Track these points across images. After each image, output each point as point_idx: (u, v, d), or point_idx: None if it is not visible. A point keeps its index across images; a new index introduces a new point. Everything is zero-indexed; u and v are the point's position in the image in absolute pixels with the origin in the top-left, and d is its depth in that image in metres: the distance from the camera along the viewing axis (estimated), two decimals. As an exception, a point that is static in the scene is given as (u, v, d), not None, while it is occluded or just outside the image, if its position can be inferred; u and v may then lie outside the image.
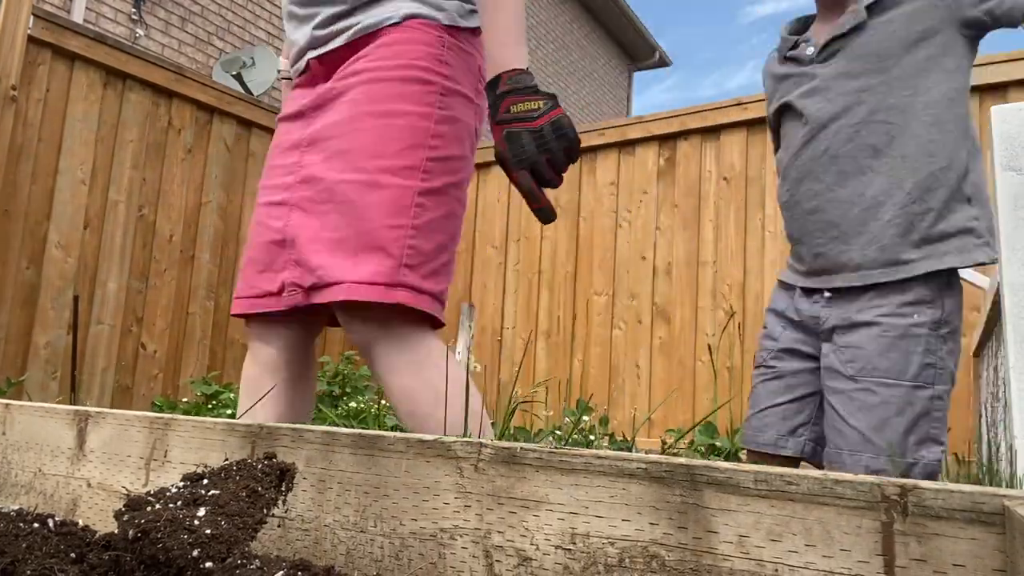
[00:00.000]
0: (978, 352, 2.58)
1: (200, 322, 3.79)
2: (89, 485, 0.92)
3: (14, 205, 3.15)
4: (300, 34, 1.41)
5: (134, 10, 6.75)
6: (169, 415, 0.89)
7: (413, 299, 1.25)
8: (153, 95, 3.67)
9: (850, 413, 1.34)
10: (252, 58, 7.30)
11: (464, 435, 0.91)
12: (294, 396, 1.44)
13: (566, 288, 4.18)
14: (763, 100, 3.72)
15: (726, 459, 1.69)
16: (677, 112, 4.00)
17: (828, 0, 1.46)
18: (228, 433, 0.82)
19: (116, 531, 0.67)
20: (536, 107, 1.24)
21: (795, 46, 1.51)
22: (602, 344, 3.98)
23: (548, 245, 4.29)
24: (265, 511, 0.73)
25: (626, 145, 4.14)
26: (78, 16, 6.24)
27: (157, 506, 0.68)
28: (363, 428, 1.81)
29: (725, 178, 3.80)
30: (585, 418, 2.67)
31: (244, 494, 0.72)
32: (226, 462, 0.79)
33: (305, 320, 1.40)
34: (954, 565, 0.48)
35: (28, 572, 0.63)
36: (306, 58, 1.41)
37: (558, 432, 2.60)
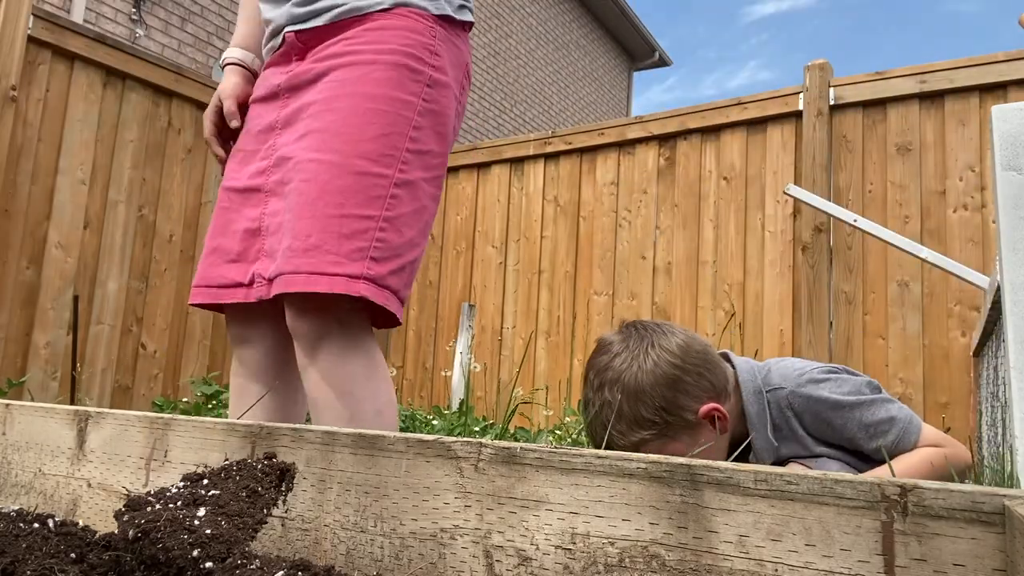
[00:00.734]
0: (978, 352, 2.58)
1: (200, 322, 3.79)
2: (89, 485, 0.92)
3: (14, 205, 3.15)
4: (277, 13, 1.36)
5: (134, 10, 6.75)
6: (169, 415, 0.89)
7: (375, 294, 1.18)
8: (153, 95, 3.67)
9: None
10: (252, 58, 7.30)
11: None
12: (284, 402, 1.37)
13: (566, 288, 4.18)
14: (763, 99, 3.73)
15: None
16: (677, 112, 4.00)
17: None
18: (228, 433, 0.82)
19: (116, 531, 0.67)
20: None
21: None
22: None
23: (548, 245, 4.29)
24: (265, 511, 0.73)
25: (626, 145, 4.14)
26: (78, 16, 6.24)
27: (157, 506, 0.68)
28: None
29: (725, 178, 3.80)
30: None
31: (244, 494, 0.72)
32: (226, 462, 0.79)
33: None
34: (954, 565, 0.48)
35: (28, 572, 0.63)
36: (283, 33, 1.35)
37: (558, 432, 2.61)
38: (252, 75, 1.49)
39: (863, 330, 3.31)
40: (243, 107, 1.44)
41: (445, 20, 1.34)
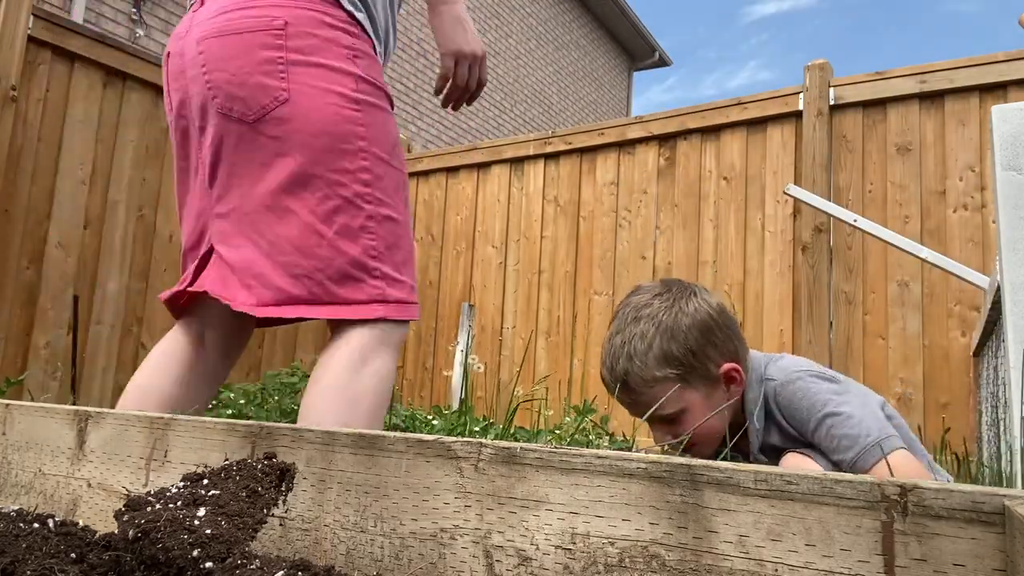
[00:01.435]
0: (978, 352, 2.58)
1: (200, 322, 3.79)
2: (89, 485, 0.92)
3: (14, 205, 3.15)
4: None
5: (134, 10, 6.75)
6: (169, 415, 0.89)
7: (395, 311, 1.28)
8: (153, 95, 3.67)
9: None
10: (252, 58, 7.30)
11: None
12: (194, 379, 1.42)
13: (566, 288, 4.18)
14: (763, 99, 3.73)
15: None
16: (677, 112, 4.00)
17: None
18: (228, 433, 0.82)
19: (116, 531, 0.67)
20: None
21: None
22: (602, 344, 3.97)
23: (548, 245, 4.29)
24: (265, 511, 0.73)
25: (626, 145, 4.14)
26: (78, 16, 6.24)
27: (157, 506, 0.68)
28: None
29: (725, 178, 3.80)
30: (586, 418, 2.67)
31: (244, 494, 0.72)
32: (226, 462, 0.79)
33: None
34: (954, 565, 0.48)
35: (28, 572, 0.63)
36: None
37: (558, 432, 2.61)
38: None
39: (863, 330, 3.31)
40: None
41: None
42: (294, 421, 3.01)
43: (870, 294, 3.33)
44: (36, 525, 0.73)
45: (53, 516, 0.75)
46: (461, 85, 1.50)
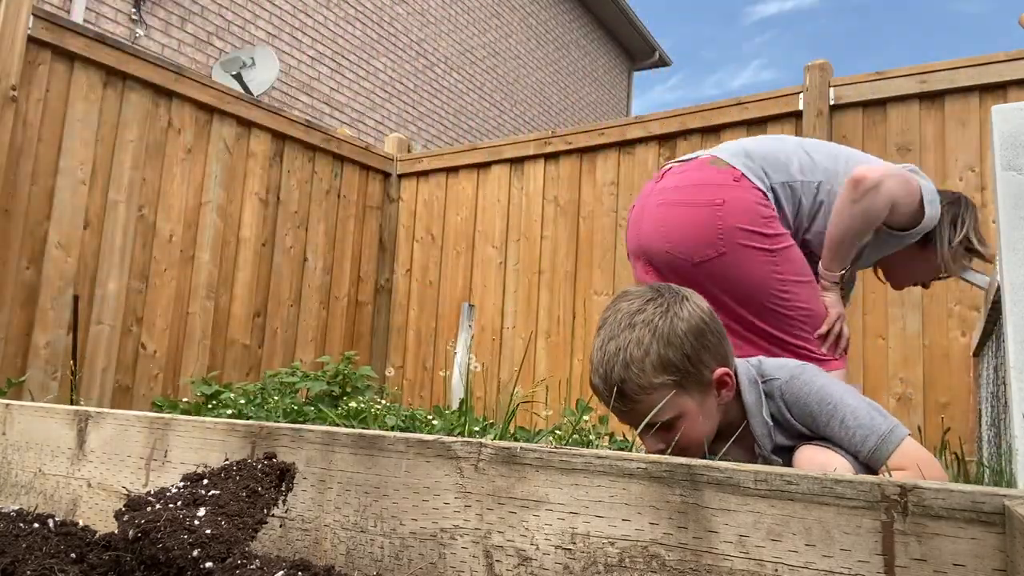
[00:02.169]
0: (978, 352, 2.58)
1: (200, 322, 3.79)
2: (89, 485, 0.92)
3: (14, 205, 3.15)
4: None
5: (134, 10, 6.75)
6: (169, 415, 0.89)
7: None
8: (153, 95, 3.67)
9: None
10: (252, 58, 7.30)
11: None
12: None
13: (566, 288, 4.18)
14: (763, 99, 3.73)
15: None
16: (677, 112, 4.00)
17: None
18: (228, 433, 0.82)
19: (116, 531, 0.67)
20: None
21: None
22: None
23: (548, 244, 4.29)
24: (265, 511, 0.73)
25: (626, 145, 4.14)
26: (78, 16, 6.24)
27: (157, 506, 0.68)
28: (363, 428, 1.81)
29: (725, 178, 3.80)
30: (585, 417, 2.67)
31: (244, 494, 0.72)
32: (226, 462, 0.79)
33: None
34: (954, 565, 0.48)
35: (28, 572, 0.63)
36: None
37: (558, 432, 2.60)
38: None
39: (863, 330, 3.31)
40: None
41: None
42: (294, 421, 3.01)
43: (870, 294, 3.33)
44: (36, 525, 0.73)
45: (53, 516, 0.75)
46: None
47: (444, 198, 4.73)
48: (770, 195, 1.91)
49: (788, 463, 1.41)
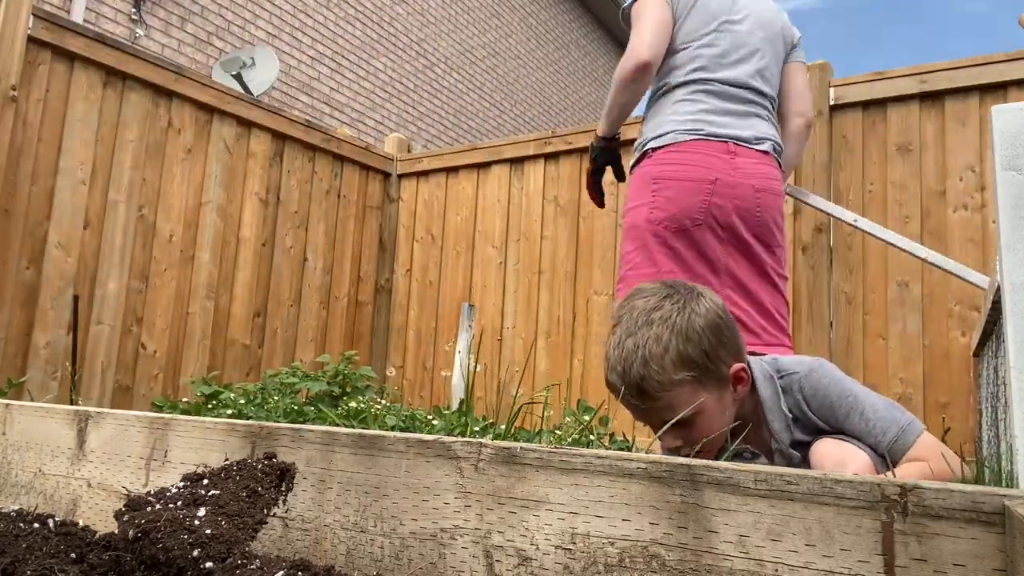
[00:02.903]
0: (978, 352, 2.58)
1: (200, 322, 3.79)
2: (89, 485, 0.92)
3: (14, 205, 3.15)
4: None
5: (134, 10, 6.75)
6: (169, 415, 0.89)
7: None
8: (153, 95, 3.67)
9: None
10: (252, 58, 7.30)
11: None
12: None
13: (566, 288, 4.18)
14: (763, 100, 3.72)
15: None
16: (677, 112, 3.99)
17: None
18: (228, 433, 0.82)
19: (116, 531, 0.67)
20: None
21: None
22: (602, 344, 3.97)
23: (548, 244, 4.29)
24: (265, 511, 0.73)
25: (626, 145, 4.13)
26: (78, 16, 6.24)
27: (157, 506, 0.68)
28: (363, 428, 1.81)
29: (725, 178, 3.80)
30: (585, 417, 2.67)
31: (244, 494, 0.72)
32: (226, 462, 0.79)
33: None
34: (954, 565, 0.48)
35: (28, 572, 0.63)
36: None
37: (558, 432, 2.60)
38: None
39: (863, 330, 3.31)
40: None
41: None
42: (294, 421, 3.01)
43: (870, 294, 3.33)
44: (36, 525, 0.73)
45: (53, 516, 0.75)
46: None
47: (444, 198, 4.73)
48: None
49: (805, 458, 1.41)
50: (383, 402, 3.08)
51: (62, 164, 3.31)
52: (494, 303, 4.39)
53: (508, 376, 4.19)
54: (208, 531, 0.64)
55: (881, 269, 3.32)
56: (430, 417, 2.76)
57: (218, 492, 0.72)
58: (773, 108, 2.42)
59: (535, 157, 4.42)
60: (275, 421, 2.61)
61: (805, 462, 1.42)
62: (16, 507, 0.76)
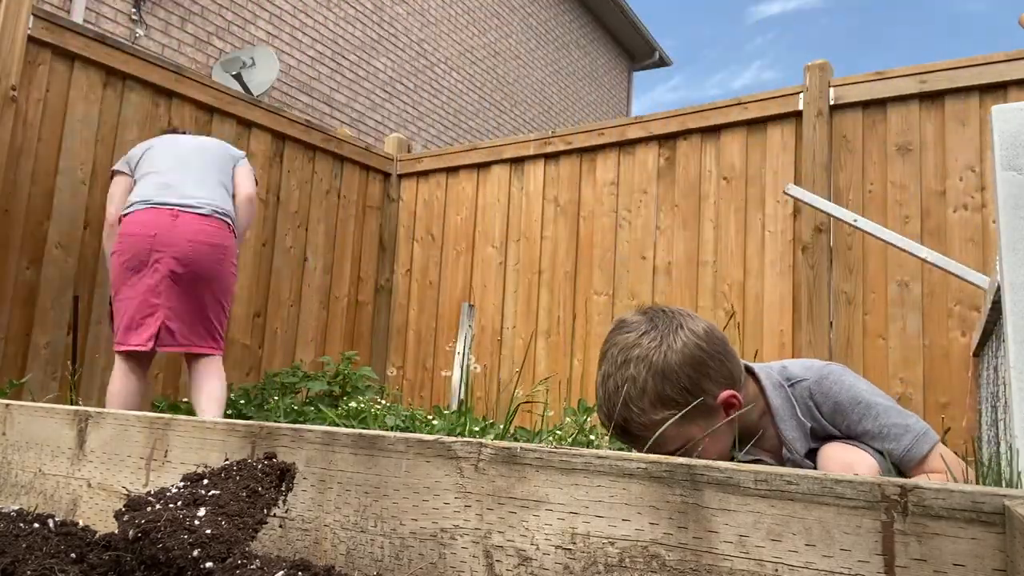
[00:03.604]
0: (978, 352, 2.58)
1: (200, 322, 3.79)
2: (89, 485, 0.92)
3: (14, 205, 3.15)
4: None
5: (134, 10, 6.75)
6: (169, 415, 0.89)
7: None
8: (153, 95, 3.67)
9: None
10: (252, 58, 7.30)
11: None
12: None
13: (566, 288, 4.18)
14: (763, 99, 3.73)
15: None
16: (677, 112, 4.00)
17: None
18: (228, 433, 0.82)
19: (116, 531, 0.67)
20: None
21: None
22: (602, 344, 3.97)
23: (548, 245, 4.29)
24: (265, 511, 0.73)
25: (626, 145, 4.14)
26: (78, 16, 6.24)
27: (157, 506, 0.68)
28: (363, 428, 1.81)
29: (725, 178, 3.80)
30: (586, 418, 2.67)
31: (244, 494, 0.72)
32: (226, 462, 0.79)
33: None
34: (954, 565, 0.48)
35: (28, 572, 0.63)
36: None
37: (558, 432, 2.60)
38: None
39: (863, 330, 3.31)
40: None
41: None
42: (294, 421, 3.01)
43: (870, 294, 3.33)
44: (36, 525, 0.73)
45: (53, 516, 0.75)
46: None
47: (444, 198, 4.73)
48: None
49: (814, 464, 1.40)
50: (383, 402, 3.08)
51: (62, 164, 3.31)
52: (494, 303, 4.39)
53: (508, 376, 4.19)
54: (208, 531, 0.64)
55: (881, 269, 3.32)
56: (430, 417, 2.76)
57: (218, 492, 0.72)
58: None
59: (535, 157, 4.42)
60: (275, 421, 2.61)
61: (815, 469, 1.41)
62: (16, 507, 0.76)
